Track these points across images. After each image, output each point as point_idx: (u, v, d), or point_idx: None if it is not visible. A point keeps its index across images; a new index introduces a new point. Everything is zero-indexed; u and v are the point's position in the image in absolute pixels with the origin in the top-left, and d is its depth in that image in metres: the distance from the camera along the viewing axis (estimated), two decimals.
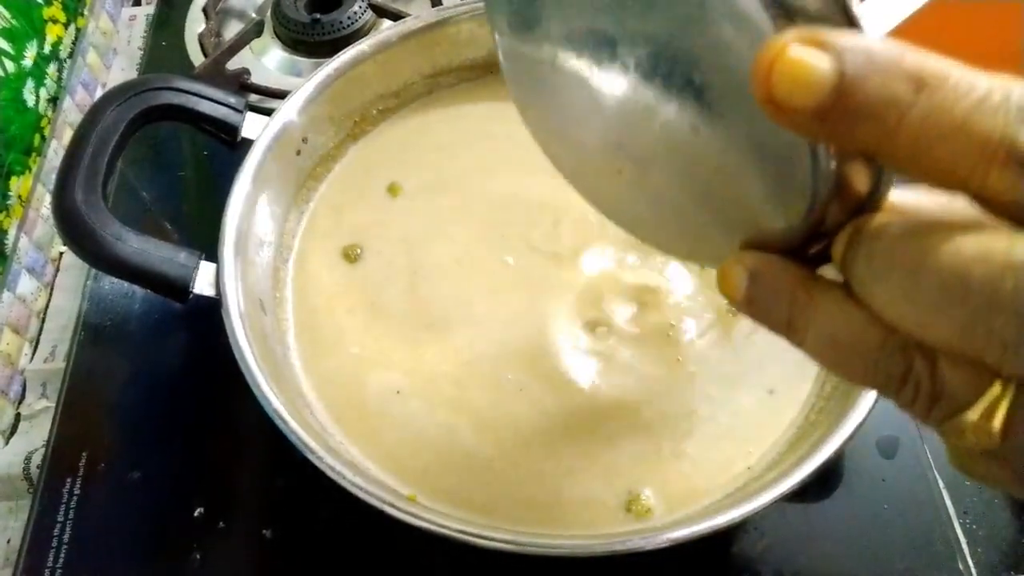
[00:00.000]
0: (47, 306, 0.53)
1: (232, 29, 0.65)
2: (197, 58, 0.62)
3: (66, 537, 0.41)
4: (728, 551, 0.39)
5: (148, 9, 0.70)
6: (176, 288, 0.38)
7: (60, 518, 0.41)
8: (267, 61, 0.62)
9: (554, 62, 0.25)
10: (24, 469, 0.46)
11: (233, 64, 0.60)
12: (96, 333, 0.48)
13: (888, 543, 0.39)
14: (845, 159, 0.18)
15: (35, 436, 0.47)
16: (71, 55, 0.62)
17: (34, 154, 0.56)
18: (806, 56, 0.16)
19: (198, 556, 0.40)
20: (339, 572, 0.40)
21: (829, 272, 0.19)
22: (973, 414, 0.17)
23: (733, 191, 0.21)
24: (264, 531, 0.40)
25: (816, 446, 0.33)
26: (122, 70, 0.67)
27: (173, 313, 0.49)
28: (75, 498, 0.42)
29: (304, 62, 0.62)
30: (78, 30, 0.64)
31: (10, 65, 0.54)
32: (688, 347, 0.40)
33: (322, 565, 0.40)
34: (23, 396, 0.49)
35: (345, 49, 0.48)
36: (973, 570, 0.38)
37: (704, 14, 0.18)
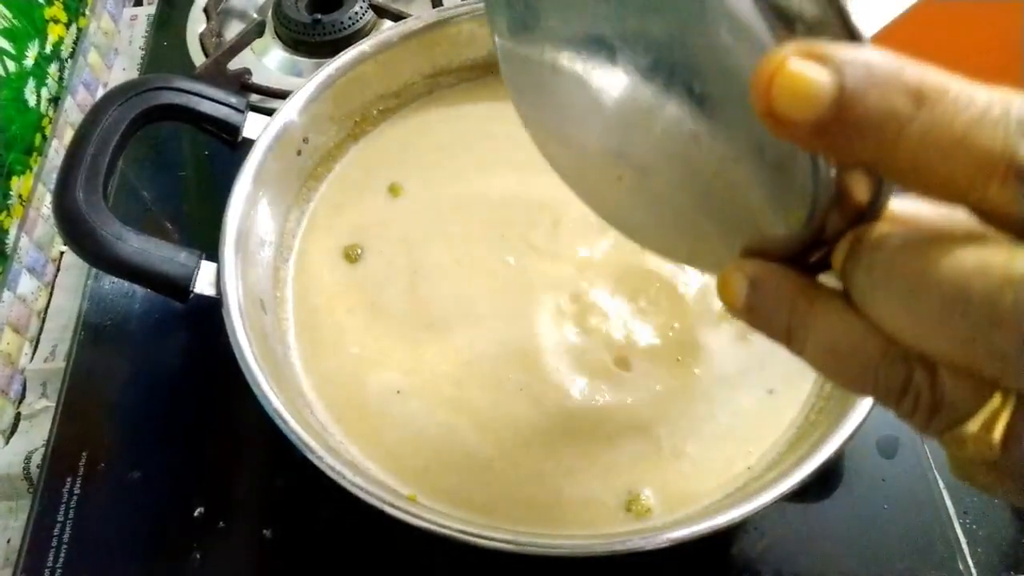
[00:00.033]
0: (47, 306, 0.53)
1: (233, 29, 0.65)
2: (198, 58, 0.62)
3: (66, 537, 0.41)
4: (728, 551, 0.39)
5: (149, 9, 0.70)
6: (177, 287, 0.38)
7: (60, 518, 0.41)
8: (268, 61, 0.62)
9: (554, 66, 0.25)
10: (24, 469, 0.46)
11: (234, 64, 0.60)
12: (96, 333, 0.48)
13: (888, 543, 0.39)
14: (845, 168, 0.18)
15: (35, 436, 0.47)
16: (72, 55, 0.62)
17: (35, 154, 0.56)
18: (806, 70, 0.15)
19: (198, 556, 0.40)
20: (339, 572, 0.40)
21: (830, 280, 0.19)
22: (973, 425, 0.17)
23: (733, 198, 0.21)
24: (264, 531, 0.41)
25: (816, 446, 0.33)
26: (123, 70, 0.67)
27: (173, 313, 0.49)
28: (75, 498, 0.42)
29: (305, 62, 0.62)
30: (79, 30, 0.64)
31: (11, 65, 0.54)
32: (688, 347, 0.40)
33: (322, 565, 0.40)
34: (23, 396, 0.49)
35: (346, 49, 0.48)
36: (973, 570, 0.38)
37: (704, 22, 0.18)
